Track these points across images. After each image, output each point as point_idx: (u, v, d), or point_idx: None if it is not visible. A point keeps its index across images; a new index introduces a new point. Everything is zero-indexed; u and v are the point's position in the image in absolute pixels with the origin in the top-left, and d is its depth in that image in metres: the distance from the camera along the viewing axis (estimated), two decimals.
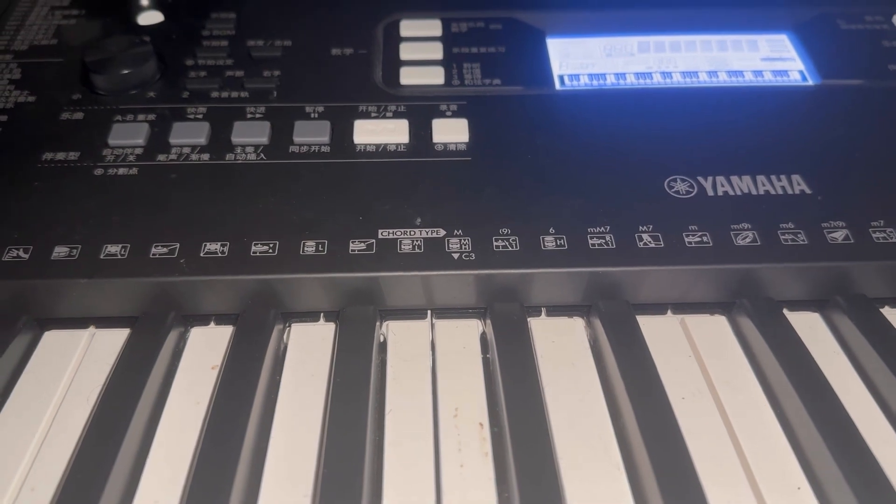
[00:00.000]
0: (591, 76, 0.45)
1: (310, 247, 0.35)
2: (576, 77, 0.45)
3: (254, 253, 0.35)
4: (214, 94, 0.43)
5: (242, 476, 0.28)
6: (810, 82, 0.45)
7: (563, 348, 0.34)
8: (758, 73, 0.45)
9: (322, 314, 0.36)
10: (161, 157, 0.39)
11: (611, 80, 0.45)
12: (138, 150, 0.40)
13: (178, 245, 0.35)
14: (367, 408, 0.30)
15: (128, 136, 0.40)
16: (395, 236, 0.35)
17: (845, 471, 0.27)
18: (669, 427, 0.29)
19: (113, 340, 0.35)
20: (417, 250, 0.35)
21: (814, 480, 0.29)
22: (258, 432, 0.30)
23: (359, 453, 0.28)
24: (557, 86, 0.44)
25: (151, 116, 0.41)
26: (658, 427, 0.29)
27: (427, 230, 0.36)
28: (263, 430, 0.30)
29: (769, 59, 0.46)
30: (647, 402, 0.30)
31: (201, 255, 0.35)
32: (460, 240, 0.35)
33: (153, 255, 0.35)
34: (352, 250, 0.35)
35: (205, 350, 0.34)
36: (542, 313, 0.36)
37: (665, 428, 0.29)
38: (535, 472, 0.27)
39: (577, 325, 0.36)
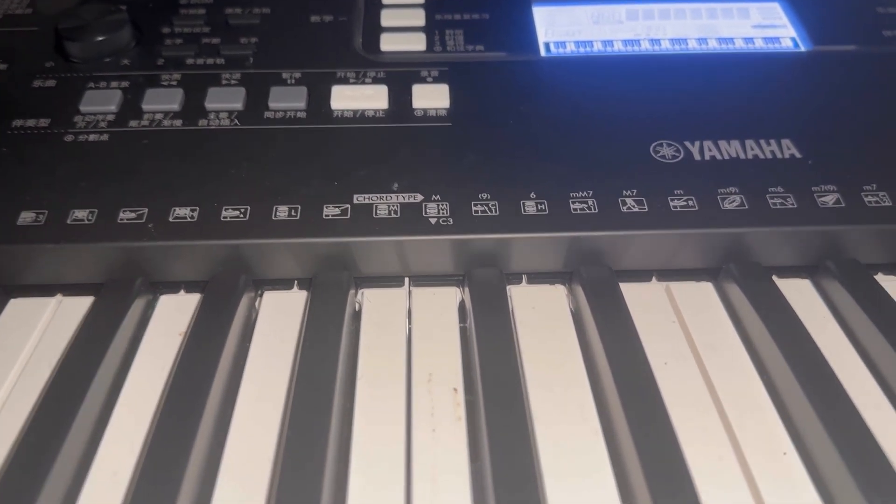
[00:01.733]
0: (577, 43, 0.44)
1: (282, 212, 0.34)
2: (562, 44, 0.44)
3: (224, 218, 0.33)
4: (190, 62, 0.42)
5: (203, 445, 0.27)
6: (802, 49, 0.44)
7: (543, 316, 0.33)
8: (748, 40, 0.44)
9: (296, 282, 0.35)
10: (133, 123, 0.38)
11: (598, 47, 0.44)
12: (110, 117, 0.38)
13: (146, 210, 0.34)
14: (335, 372, 0.28)
15: (100, 102, 0.39)
16: (371, 201, 0.34)
17: (834, 436, 0.26)
18: (649, 392, 0.28)
19: (79, 307, 0.34)
20: (394, 215, 0.34)
21: (801, 446, 0.28)
22: (222, 401, 0.29)
23: (325, 417, 0.27)
24: (543, 52, 0.43)
25: (125, 84, 0.40)
26: (637, 392, 0.28)
27: (404, 195, 0.35)
28: (228, 398, 0.29)
29: (760, 26, 0.45)
30: (627, 367, 0.29)
31: (170, 220, 0.33)
32: (438, 205, 0.34)
33: (121, 220, 0.33)
34: (325, 215, 0.34)
35: (173, 317, 0.33)
36: (523, 280, 0.35)
37: (644, 393, 0.28)
38: (508, 438, 0.26)
39: (558, 292, 0.35)
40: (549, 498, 0.26)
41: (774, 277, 0.35)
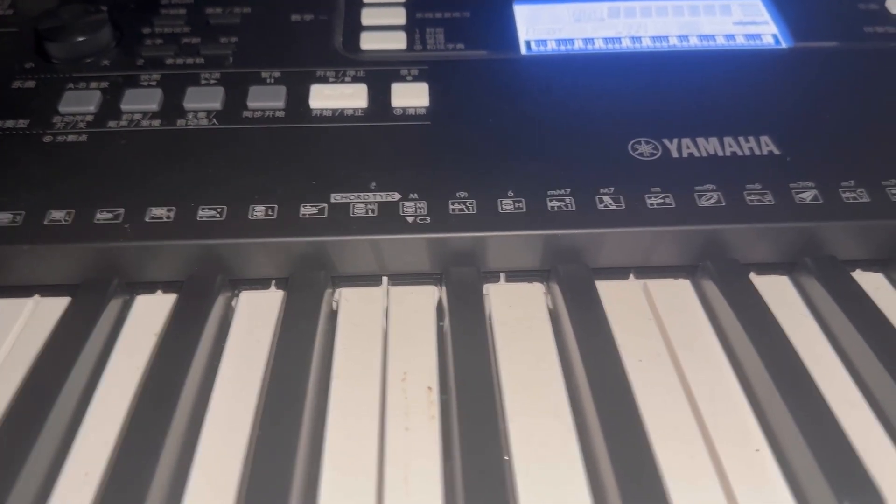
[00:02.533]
0: (558, 41, 0.44)
1: (259, 211, 0.34)
2: (542, 42, 0.44)
3: (200, 218, 0.33)
4: (169, 62, 0.42)
5: (174, 444, 0.27)
6: (783, 45, 0.44)
7: (520, 314, 0.33)
8: (730, 36, 0.44)
9: (273, 282, 0.35)
10: (111, 124, 0.38)
11: (579, 45, 0.44)
12: (89, 118, 0.38)
13: (122, 211, 0.34)
14: (308, 371, 0.28)
15: (79, 103, 0.39)
16: (348, 200, 0.34)
17: (806, 434, 0.26)
18: (621, 390, 0.28)
19: (57, 309, 0.33)
20: (371, 214, 0.34)
21: (774, 443, 0.27)
22: (195, 400, 0.29)
23: (296, 414, 0.27)
24: (523, 51, 0.43)
25: (104, 84, 0.40)
26: (609, 390, 0.28)
27: (381, 194, 0.35)
28: (201, 397, 0.29)
29: (742, 22, 0.45)
30: (600, 365, 0.29)
31: (146, 220, 0.33)
32: (415, 203, 0.34)
33: (97, 220, 0.33)
34: (302, 214, 0.34)
35: (149, 317, 0.33)
36: (501, 279, 0.35)
37: (617, 391, 0.28)
38: (479, 437, 0.26)
39: (536, 290, 0.35)
40: (520, 497, 0.25)
41: (752, 274, 0.35)
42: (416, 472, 0.26)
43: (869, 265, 0.36)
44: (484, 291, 0.34)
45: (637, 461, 0.25)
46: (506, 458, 0.27)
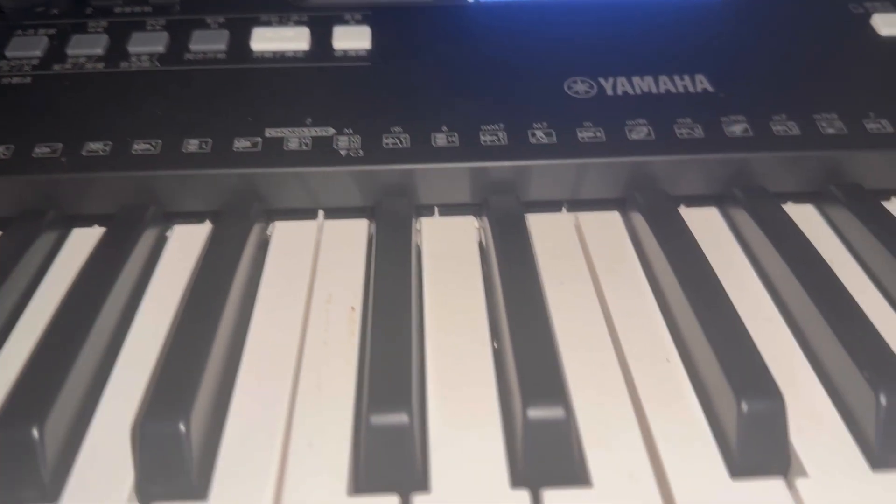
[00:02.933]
0: None
1: (192, 145, 0.34)
2: None
3: (135, 151, 0.34)
4: (118, 10, 0.42)
5: (90, 362, 0.27)
6: None
7: (451, 246, 0.34)
8: None
9: (208, 218, 0.35)
10: (56, 67, 0.39)
11: None
12: (34, 61, 0.39)
13: (61, 145, 0.34)
14: (228, 288, 0.29)
15: (25, 48, 0.40)
16: (283, 135, 0.35)
17: (712, 340, 0.26)
18: (534, 303, 0.28)
19: None
20: (304, 148, 0.34)
21: (684, 353, 0.28)
22: (114, 329, 0.29)
23: (209, 330, 0.27)
24: None
25: (52, 31, 0.41)
26: (522, 304, 0.28)
27: (316, 129, 0.35)
28: (120, 328, 0.29)
29: None
30: (517, 281, 0.29)
31: (83, 153, 0.34)
32: (349, 138, 0.35)
33: (35, 154, 0.34)
34: (236, 148, 0.34)
35: (82, 251, 0.33)
36: (436, 213, 0.36)
37: (529, 304, 0.28)
38: (391, 349, 0.26)
39: (468, 223, 0.35)
40: (429, 402, 0.26)
41: (682, 207, 0.35)
42: (329, 380, 0.27)
43: (799, 198, 0.36)
44: (417, 227, 0.35)
45: (540, 364, 0.25)
46: (422, 373, 0.27)
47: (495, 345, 0.28)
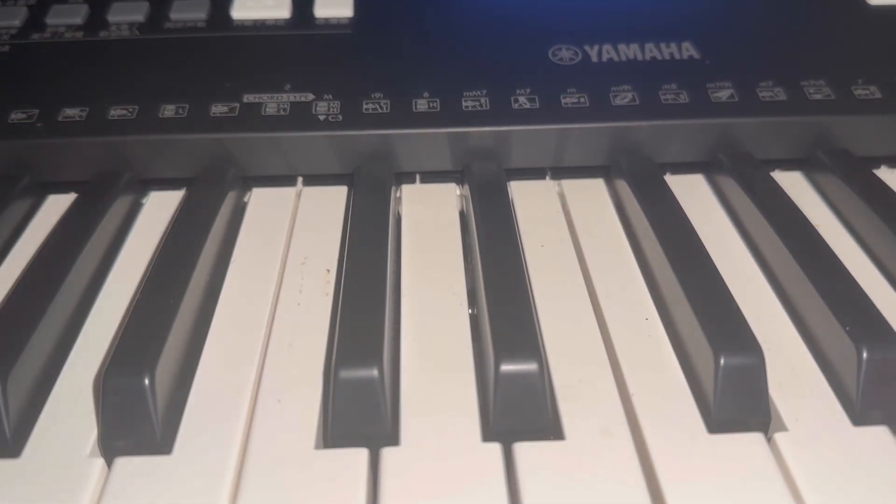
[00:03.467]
0: None
1: (169, 110, 0.34)
2: None
3: (111, 116, 0.33)
4: None
5: (58, 317, 0.27)
6: None
7: (431, 213, 0.33)
8: None
9: (186, 184, 0.35)
10: (35, 36, 0.38)
11: None
12: (13, 31, 0.39)
13: (37, 112, 0.34)
14: (198, 253, 0.28)
15: (4, 18, 0.39)
16: (261, 100, 0.34)
17: (690, 296, 0.25)
18: (511, 265, 0.27)
19: None
20: (282, 113, 0.34)
21: (663, 312, 0.27)
22: (88, 284, 0.29)
23: (179, 288, 0.26)
24: None
25: (32, 2, 0.40)
26: (500, 265, 0.27)
27: (295, 94, 0.34)
28: (96, 280, 0.29)
29: None
30: (496, 246, 0.28)
31: (59, 119, 0.33)
32: (329, 103, 0.34)
33: (11, 120, 0.34)
34: (213, 113, 0.34)
35: (56, 217, 0.33)
36: (417, 180, 0.35)
37: (507, 265, 0.27)
38: (363, 307, 0.26)
39: (449, 190, 0.34)
40: (402, 364, 0.25)
41: (668, 174, 0.35)
42: (301, 338, 0.26)
43: (787, 165, 0.35)
44: (398, 194, 0.34)
45: (515, 320, 0.24)
46: (397, 333, 0.27)
47: (472, 310, 0.28)
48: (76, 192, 0.34)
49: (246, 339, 0.26)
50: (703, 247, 0.28)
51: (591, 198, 0.33)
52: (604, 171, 0.35)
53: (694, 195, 0.33)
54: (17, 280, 0.28)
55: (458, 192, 0.35)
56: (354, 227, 0.30)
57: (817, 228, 0.30)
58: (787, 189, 0.32)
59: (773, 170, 0.35)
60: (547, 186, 0.34)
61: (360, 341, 0.24)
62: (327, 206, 0.33)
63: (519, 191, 0.34)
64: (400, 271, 0.30)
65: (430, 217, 0.33)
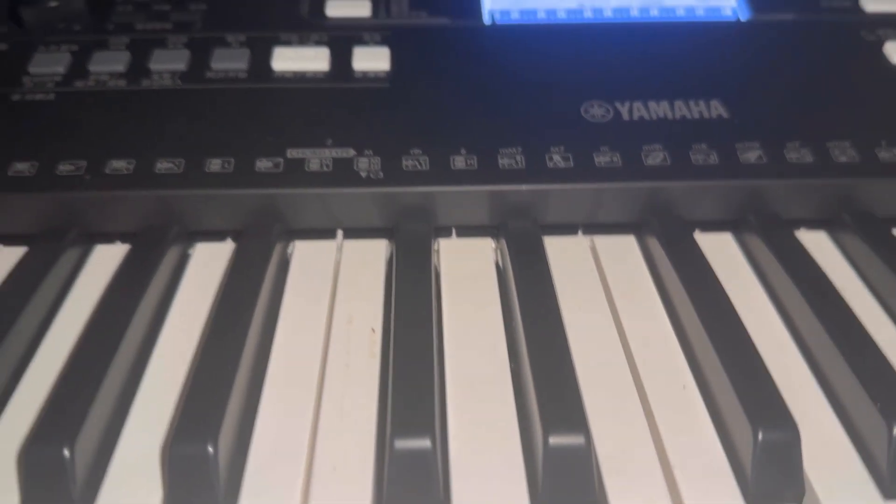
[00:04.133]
0: (521, 12, 0.45)
1: (215, 164, 0.35)
2: (506, 12, 0.45)
3: (158, 170, 0.34)
4: (139, 27, 0.43)
5: (117, 381, 0.27)
6: (741, 18, 0.44)
7: (468, 268, 0.34)
8: (690, 9, 0.45)
9: (230, 236, 0.36)
10: (79, 84, 0.39)
11: (542, 15, 0.45)
12: (57, 78, 0.39)
13: (84, 163, 0.35)
14: (252, 311, 0.29)
15: (48, 64, 0.40)
16: (304, 155, 0.35)
17: (728, 369, 0.27)
18: (553, 331, 0.28)
19: (15, 257, 0.34)
20: (325, 169, 0.35)
21: (700, 381, 0.28)
22: (140, 345, 0.30)
23: (235, 353, 0.27)
24: (487, 20, 0.44)
25: (74, 47, 0.41)
26: (542, 331, 0.28)
27: (337, 150, 0.35)
28: (147, 342, 0.30)
29: None
30: (537, 309, 0.29)
31: (106, 171, 0.34)
32: (370, 159, 0.35)
33: (59, 171, 0.34)
34: (258, 168, 0.35)
35: (106, 268, 0.34)
36: (453, 234, 0.36)
37: (549, 332, 0.28)
38: (414, 373, 0.27)
39: (486, 245, 0.35)
40: (450, 428, 0.26)
41: (697, 232, 0.36)
42: (351, 404, 0.27)
43: (812, 224, 0.36)
44: (435, 247, 0.35)
45: (563, 398, 0.26)
46: (443, 396, 0.28)
47: (513, 365, 0.29)
48: (123, 241, 0.35)
49: (299, 404, 0.27)
50: (737, 314, 0.29)
51: (624, 256, 0.34)
52: (634, 227, 0.36)
53: (723, 254, 0.35)
54: (77, 340, 0.29)
55: (493, 246, 0.36)
56: (399, 290, 0.31)
57: (842, 292, 0.31)
58: (813, 250, 0.33)
59: (799, 228, 0.36)
60: (579, 242, 0.35)
61: (413, 410, 0.25)
62: (368, 261, 0.34)
63: (553, 247, 0.35)
64: (442, 330, 0.31)
65: (468, 272, 0.34)
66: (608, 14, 0.45)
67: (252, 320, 0.29)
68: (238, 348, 0.27)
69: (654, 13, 0.45)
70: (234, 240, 0.36)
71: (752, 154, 0.35)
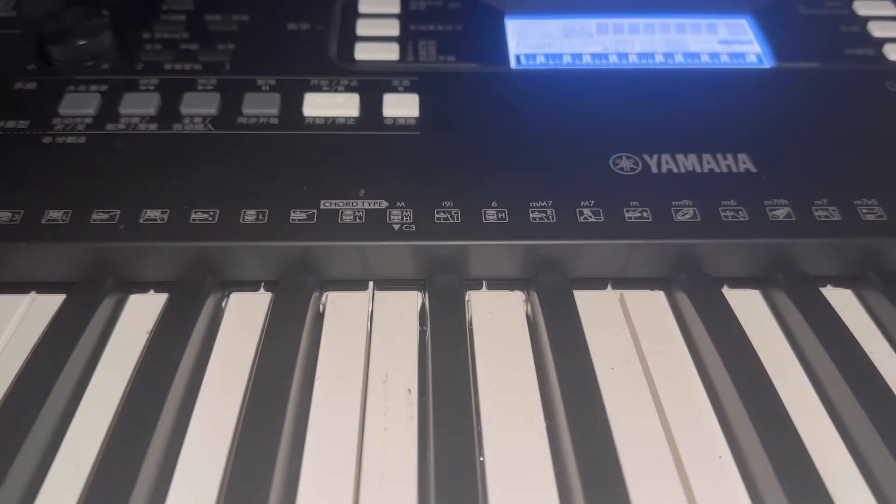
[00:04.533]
0: (547, 56, 0.45)
1: (250, 215, 0.35)
2: (532, 57, 0.45)
3: (193, 220, 0.35)
4: (168, 67, 0.43)
5: (161, 441, 0.28)
6: (766, 65, 0.45)
7: (500, 321, 0.34)
8: (714, 55, 0.45)
9: (262, 284, 0.36)
10: (109, 127, 0.39)
11: (567, 60, 0.45)
12: (88, 120, 0.40)
13: (118, 212, 0.35)
14: (293, 371, 0.30)
15: (78, 105, 0.40)
16: (337, 207, 0.35)
17: (765, 442, 0.27)
18: (591, 398, 0.29)
19: (53, 305, 0.34)
20: (358, 221, 0.35)
21: (736, 450, 0.29)
22: (183, 398, 0.30)
23: (279, 412, 0.28)
24: (513, 65, 0.44)
25: (103, 87, 0.42)
26: (580, 398, 0.29)
27: (369, 201, 0.36)
28: (189, 396, 0.30)
29: (727, 42, 0.46)
30: (573, 370, 0.30)
31: (141, 221, 0.35)
32: (402, 211, 0.35)
33: (94, 220, 0.35)
34: (292, 220, 0.35)
35: (141, 316, 0.34)
36: (483, 286, 0.36)
37: (587, 399, 0.29)
38: (454, 437, 0.27)
39: (516, 298, 0.36)
40: (490, 498, 0.27)
41: (725, 287, 0.36)
42: (392, 472, 0.27)
43: (839, 281, 0.37)
44: (466, 298, 0.35)
45: (602, 466, 0.26)
46: (480, 458, 0.28)
47: (548, 423, 0.29)
48: (156, 290, 0.36)
49: (339, 469, 0.27)
50: (770, 381, 0.30)
51: (654, 313, 0.35)
52: (663, 282, 0.36)
53: (751, 311, 0.35)
54: (123, 398, 0.29)
55: (524, 298, 0.36)
56: (436, 347, 0.31)
57: (870, 354, 0.31)
58: (839, 308, 0.34)
59: (825, 285, 0.37)
60: (609, 297, 0.36)
61: (455, 481, 0.25)
62: (402, 314, 0.34)
63: (584, 300, 0.35)
64: (478, 386, 0.31)
65: (500, 327, 0.34)
66: (633, 59, 0.45)
67: (292, 383, 0.29)
68: (281, 412, 0.28)
69: (679, 59, 0.45)
70: (268, 289, 0.36)
71: (780, 211, 0.36)
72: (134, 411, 0.28)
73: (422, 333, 0.34)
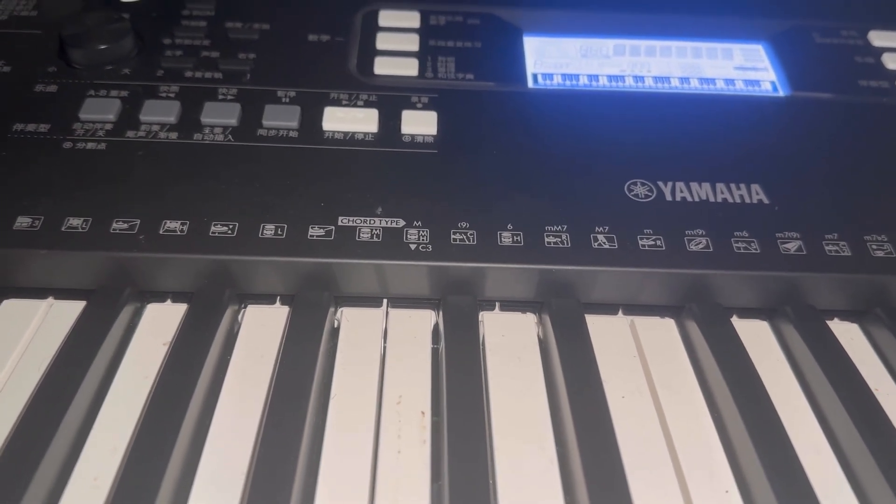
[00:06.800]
0: (564, 76, 0.45)
1: (269, 230, 0.35)
2: (549, 76, 0.45)
3: (213, 233, 0.35)
4: (188, 74, 0.43)
5: (180, 453, 0.28)
6: (781, 93, 0.45)
7: (512, 343, 0.35)
8: (729, 81, 0.46)
9: (279, 298, 0.36)
10: (130, 134, 0.40)
11: (583, 80, 0.45)
12: (108, 126, 0.40)
13: (138, 222, 0.35)
14: (309, 391, 0.30)
15: (99, 111, 0.40)
16: (355, 224, 0.36)
17: (771, 478, 0.28)
18: (603, 424, 0.30)
19: (70, 312, 0.35)
20: (376, 239, 0.35)
21: (742, 486, 0.29)
22: (201, 410, 0.31)
23: (297, 435, 0.28)
24: (530, 84, 0.45)
25: (124, 93, 0.42)
26: (592, 424, 0.29)
27: (387, 220, 0.36)
28: (207, 408, 0.31)
29: (742, 67, 0.47)
30: (585, 398, 0.31)
31: (161, 232, 0.35)
32: (419, 231, 0.36)
33: (113, 230, 0.35)
34: (310, 236, 0.35)
35: (159, 326, 0.34)
36: (496, 307, 0.37)
37: (598, 425, 0.29)
38: (468, 461, 0.28)
39: (528, 320, 0.36)
40: None
41: (734, 317, 0.37)
42: (405, 495, 0.28)
43: (846, 315, 0.37)
44: (479, 318, 0.36)
45: (612, 495, 0.27)
46: (491, 482, 0.28)
47: (559, 449, 0.30)
48: (173, 299, 0.36)
49: (353, 494, 0.28)
50: (779, 417, 0.30)
51: (664, 341, 0.35)
52: (674, 310, 0.37)
53: (759, 342, 0.35)
54: (143, 411, 0.30)
55: (535, 320, 0.36)
56: (450, 369, 0.32)
57: (876, 391, 0.32)
58: (845, 342, 0.35)
59: (832, 318, 0.37)
60: (620, 323, 0.36)
61: None
62: (415, 333, 0.35)
63: (595, 325, 0.36)
64: (490, 409, 0.31)
65: (512, 349, 0.34)
66: (649, 83, 0.45)
67: (308, 403, 0.30)
68: (298, 428, 0.28)
69: (695, 84, 0.45)
70: (283, 302, 0.36)
71: (791, 245, 0.36)
72: (154, 423, 0.29)
73: (434, 352, 0.34)
